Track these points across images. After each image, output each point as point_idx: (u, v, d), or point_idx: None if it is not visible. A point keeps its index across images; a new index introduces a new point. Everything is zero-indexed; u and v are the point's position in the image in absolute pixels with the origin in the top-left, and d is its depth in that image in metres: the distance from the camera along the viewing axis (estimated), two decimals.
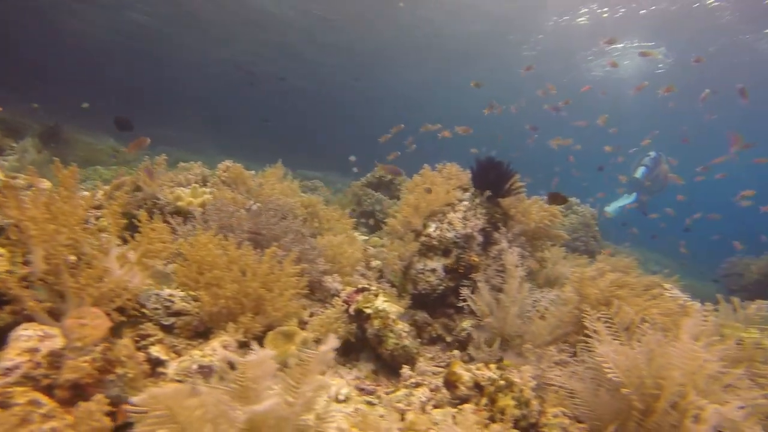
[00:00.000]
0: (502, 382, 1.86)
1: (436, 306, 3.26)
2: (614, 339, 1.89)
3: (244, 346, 2.08)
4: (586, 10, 13.63)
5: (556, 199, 3.48)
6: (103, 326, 1.52)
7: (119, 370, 1.48)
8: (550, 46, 16.47)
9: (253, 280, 2.27)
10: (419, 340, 3.20)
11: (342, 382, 2.05)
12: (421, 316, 3.25)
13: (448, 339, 3.10)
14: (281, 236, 3.18)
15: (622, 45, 15.57)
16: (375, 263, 3.82)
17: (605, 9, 13.47)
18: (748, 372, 2.42)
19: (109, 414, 1.26)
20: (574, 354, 2.32)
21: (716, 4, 12.27)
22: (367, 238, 5.56)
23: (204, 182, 4.59)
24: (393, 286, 3.54)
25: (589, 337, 1.94)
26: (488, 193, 3.42)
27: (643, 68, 17.51)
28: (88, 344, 1.40)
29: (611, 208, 11.97)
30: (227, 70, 24.48)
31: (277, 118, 35.34)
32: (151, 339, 2.02)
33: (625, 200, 12.33)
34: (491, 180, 3.43)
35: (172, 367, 1.91)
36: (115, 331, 1.70)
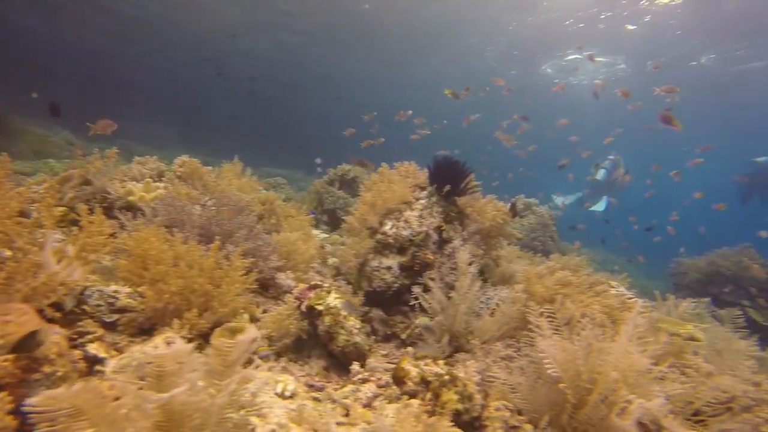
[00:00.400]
0: (446, 377, 1.89)
1: (391, 303, 3.27)
2: (555, 333, 1.95)
3: (190, 342, 2.04)
4: (548, 17, 13.98)
5: (510, 210, 3.55)
6: (30, 323, 1.46)
7: (47, 369, 1.42)
8: (512, 49, 16.83)
9: (199, 275, 2.23)
10: (374, 336, 3.22)
11: (290, 379, 2.03)
12: (377, 313, 3.27)
13: (403, 336, 3.13)
14: (234, 232, 3.13)
15: (580, 57, 16.10)
16: (332, 260, 3.82)
17: (569, 20, 13.88)
18: (678, 362, 2.56)
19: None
20: (520, 349, 2.39)
21: (672, 22, 12.87)
22: (327, 236, 5.54)
23: (160, 177, 4.46)
24: (349, 283, 3.54)
25: (533, 332, 2.00)
26: (447, 188, 3.45)
27: (600, 77, 18.19)
28: (11, 342, 1.33)
29: (568, 200, 12.24)
30: (196, 66, 23.89)
31: (245, 116, 34.71)
32: (90, 336, 1.95)
33: (578, 196, 12.66)
34: (448, 179, 3.48)
35: (110, 365, 1.85)
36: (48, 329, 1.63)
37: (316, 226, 6.41)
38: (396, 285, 3.20)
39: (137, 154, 5.02)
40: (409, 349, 2.97)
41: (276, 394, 1.90)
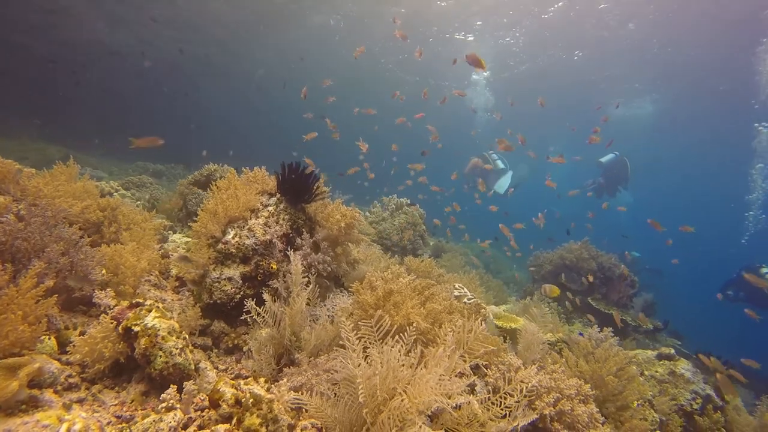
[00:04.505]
0: (251, 401, 1.85)
1: (236, 314, 3.17)
2: (368, 348, 2.00)
3: None
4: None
5: None
6: None
7: None
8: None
9: None
10: (216, 350, 3.09)
11: (79, 416, 1.85)
12: (219, 325, 3.14)
13: (245, 348, 3.04)
14: (48, 246, 2.79)
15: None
16: (175, 271, 3.58)
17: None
18: (497, 360, 2.79)
19: None
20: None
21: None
22: (189, 239, 5.21)
23: None
24: (193, 295, 3.36)
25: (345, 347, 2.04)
26: (295, 197, 3.42)
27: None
28: None
29: (500, 186, 12.75)
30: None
31: (127, 105, 31.52)
32: None
33: (508, 178, 13.25)
34: (297, 185, 3.44)
35: None
36: None
37: (181, 230, 6.00)
38: (238, 296, 3.10)
39: None
40: (250, 362, 2.91)
41: None
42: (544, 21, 13.57)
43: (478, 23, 14.57)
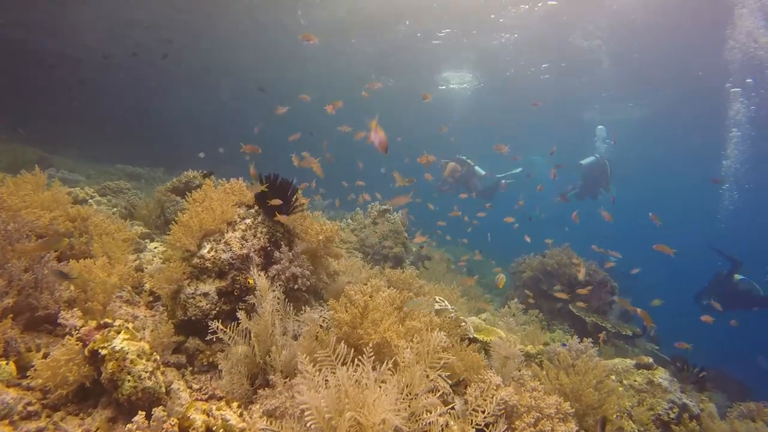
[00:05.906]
0: (221, 430, 1.77)
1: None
2: (330, 373, 1.94)
3: None
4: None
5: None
6: None
7: None
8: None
9: None
10: (191, 368, 2.99)
11: None
12: (194, 342, 3.05)
13: (220, 366, 2.95)
14: (9, 261, 2.66)
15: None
16: (150, 285, 3.46)
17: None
18: (475, 377, 2.74)
19: None
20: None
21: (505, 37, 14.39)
22: (165, 249, 5.07)
23: None
24: (167, 310, 3.25)
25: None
26: (273, 210, 3.33)
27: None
28: None
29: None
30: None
31: (104, 106, 30.66)
32: None
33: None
34: (275, 197, 3.36)
35: None
36: None
37: (159, 237, 5.85)
38: (214, 312, 3.01)
39: None
40: (223, 381, 2.82)
41: None
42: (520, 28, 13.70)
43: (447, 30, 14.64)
